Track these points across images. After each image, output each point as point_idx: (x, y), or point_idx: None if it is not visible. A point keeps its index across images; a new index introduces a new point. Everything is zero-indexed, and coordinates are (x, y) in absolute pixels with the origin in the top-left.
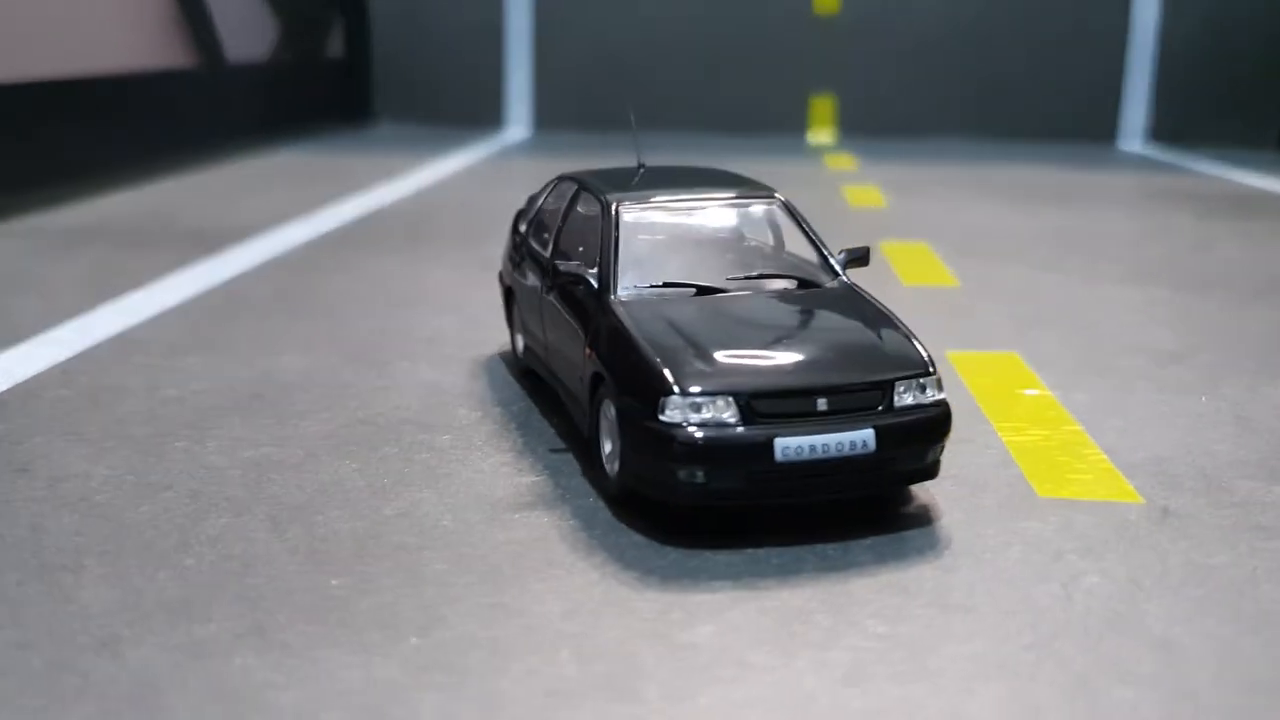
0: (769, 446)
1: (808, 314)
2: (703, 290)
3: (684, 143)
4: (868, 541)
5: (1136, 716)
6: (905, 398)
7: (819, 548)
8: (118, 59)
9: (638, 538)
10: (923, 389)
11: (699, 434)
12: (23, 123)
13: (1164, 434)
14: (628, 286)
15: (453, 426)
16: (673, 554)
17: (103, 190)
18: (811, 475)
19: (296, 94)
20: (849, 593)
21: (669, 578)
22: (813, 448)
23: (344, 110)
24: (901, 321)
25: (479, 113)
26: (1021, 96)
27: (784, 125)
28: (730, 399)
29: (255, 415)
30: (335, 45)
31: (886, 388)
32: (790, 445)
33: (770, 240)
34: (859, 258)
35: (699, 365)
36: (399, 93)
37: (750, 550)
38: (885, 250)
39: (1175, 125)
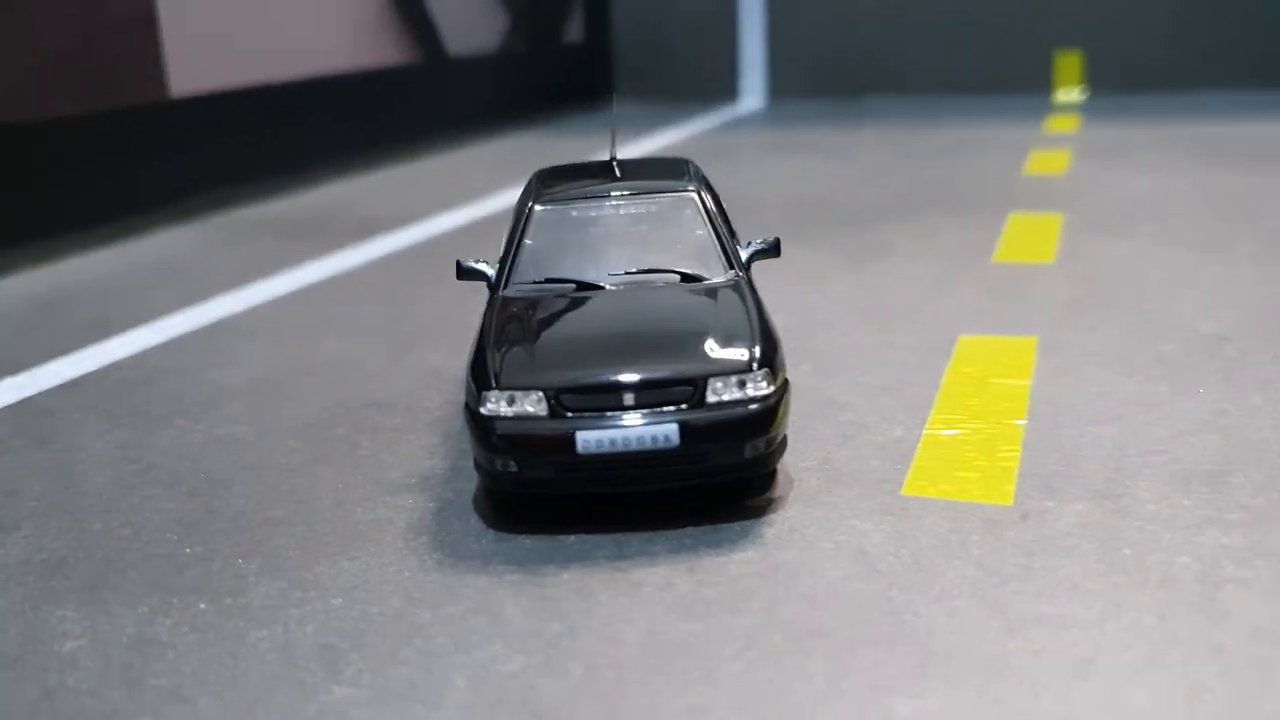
0: (570, 439)
1: (661, 310)
2: (583, 286)
3: (921, 109)
4: (679, 531)
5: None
6: (722, 394)
7: (624, 536)
8: (334, 61)
9: (476, 524)
10: (743, 385)
11: (506, 426)
12: (247, 125)
13: (1119, 433)
14: (519, 282)
15: (416, 410)
16: (490, 539)
17: (311, 184)
18: (617, 468)
19: (531, 81)
20: (610, 583)
21: (463, 559)
22: (613, 441)
23: (585, 93)
24: (762, 319)
25: (714, 87)
26: None
27: (1028, 85)
28: (540, 393)
29: (258, 397)
30: (574, 31)
31: (699, 384)
32: (590, 439)
33: (689, 235)
34: (767, 249)
35: (522, 360)
36: (638, 73)
37: (564, 537)
38: (1011, 223)
39: None
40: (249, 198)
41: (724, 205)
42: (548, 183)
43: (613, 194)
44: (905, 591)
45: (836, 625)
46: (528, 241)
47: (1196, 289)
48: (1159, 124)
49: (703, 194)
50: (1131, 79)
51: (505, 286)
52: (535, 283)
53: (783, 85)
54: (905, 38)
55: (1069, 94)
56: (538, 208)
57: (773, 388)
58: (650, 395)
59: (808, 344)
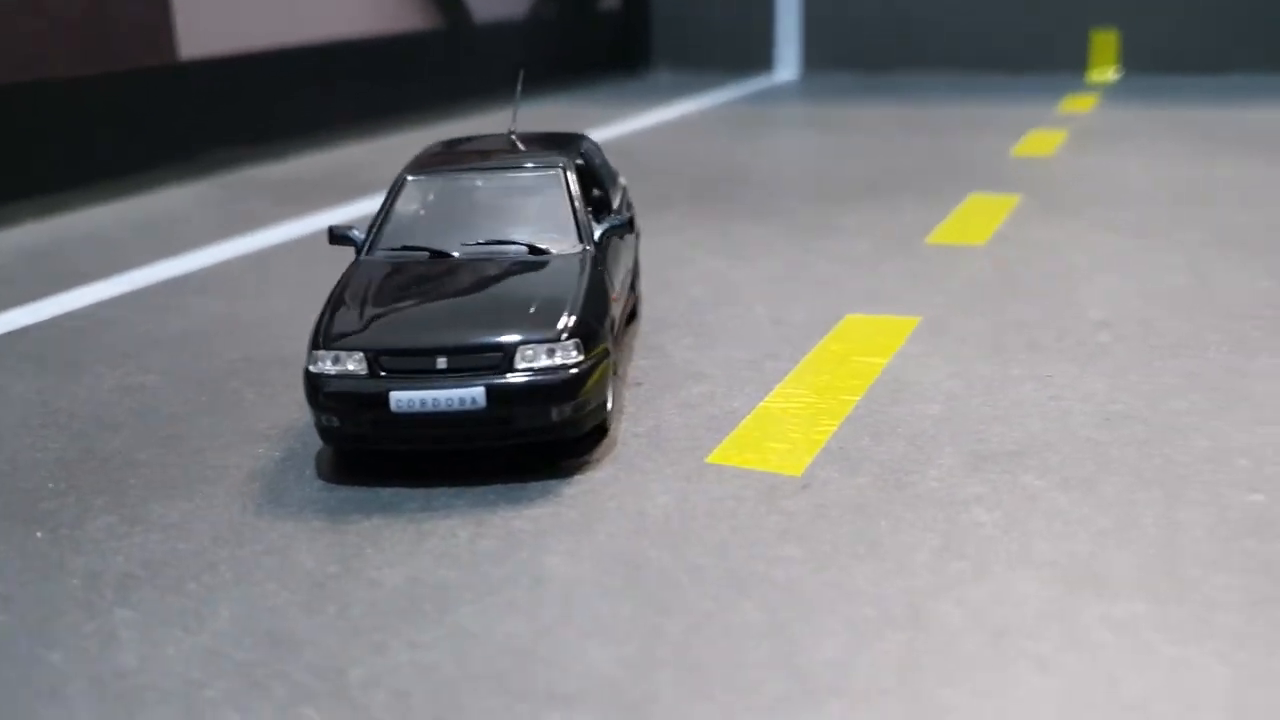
0: (385, 398)
1: (495, 280)
2: (436, 255)
3: (949, 84)
4: (487, 487)
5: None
6: (532, 361)
7: (437, 490)
8: (352, 26)
9: (309, 474)
10: (552, 354)
11: (329, 384)
12: (260, 88)
13: (942, 413)
14: (380, 249)
15: None
16: (316, 488)
17: (325, 148)
18: (429, 426)
19: (563, 48)
20: (401, 532)
21: (282, 505)
22: (424, 401)
23: (622, 61)
24: (590, 292)
25: (750, 57)
26: None
27: (1064, 63)
28: (361, 354)
29: (180, 350)
30: None
31: (508, 350)
32: (404, 398)
33: (549, 209)
34: (619, 226)
35: (350, 323)
36: (676, 41)
37: (381, 489)
38: (966, 204)
39: None
40: (260, 159)
41: (615, 180)
42: (432, 154)
43: (482, 168)
44: (659, 550)
45: (580, 576)
46: (396, 210)
47: (1113, 275)
48: (1179, 107)
49: (569, 172)
50: (1168, 60)
51: (368, 252)
52: (394, 250)
53: (818, 57)
54: (942, 13)
55: (1104, 73)
56: (409, 178)
57: (582, 357)
58: (462, 360)
59: (703, 318)
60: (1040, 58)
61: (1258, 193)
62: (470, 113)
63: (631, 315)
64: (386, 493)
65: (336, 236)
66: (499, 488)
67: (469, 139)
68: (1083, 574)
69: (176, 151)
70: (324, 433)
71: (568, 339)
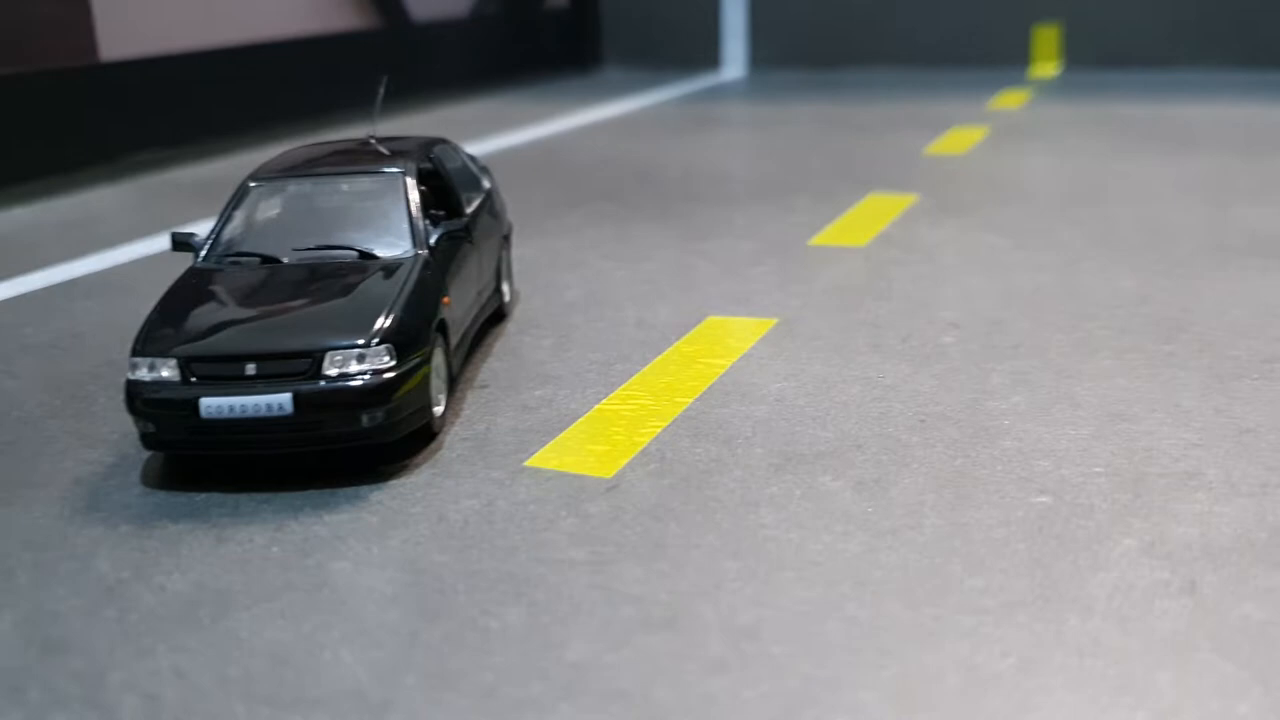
0: (195, 405)
1: (317, 286)
2: (266, 260)
3: (890, 81)
4: (297, 493)
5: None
6: (342, 367)
7: (248, 495)
8: (281, 27)
9: (134, 479)
10: (362, 359)
11: (144, 390)
12: (186, 89)
13: (768, 415)
14: (215, 255)
15: None
16: (137, 494)
17: (257, 149)
18: (238, 433)
19: (508, 46)
20: (201, 537)
21: (98, 511)
22: (232, 408)
23: (571, 59)
24: (410, 297)
25: (698, 55)
26: (1274, 21)
27: (1007, 58)
28: (174, 361)
29: (48, 353)
30: None
31: (316, 356)
32: (213, 405)
33: (386, 214)
34: (455, 230)
35: (167, 330)
36: (626, 39)
37: (197, 494)
38: (861, 204)
39: None
40: (185, 160)
41: (477, 184)
42: (279, 160)
43: (321, 174)
44: (446, 555)
45: (360, 582)
46: (235, 216)
47: (979, 277)
48: (1111, 103)
49: (408, 178)
50: (1110, 55)
51: (203, 259)
52: (227, 256)
53: (765, 54)
54: (888, 9)
55: (1046, 69)
56: (251, 184)
57: (394, 362)
58: (271, 366)
59: (571, 319)
60: (984, 53)
61: (1150, 191)
62: (410, 112)
63: (498, 316)
64: (201, 498)
65: (178, 243)
66: (310, 493)
67: (324, 144)
68: (845, 576)
69: (98, 153)
70: (143, 439)
71: (379, 344)
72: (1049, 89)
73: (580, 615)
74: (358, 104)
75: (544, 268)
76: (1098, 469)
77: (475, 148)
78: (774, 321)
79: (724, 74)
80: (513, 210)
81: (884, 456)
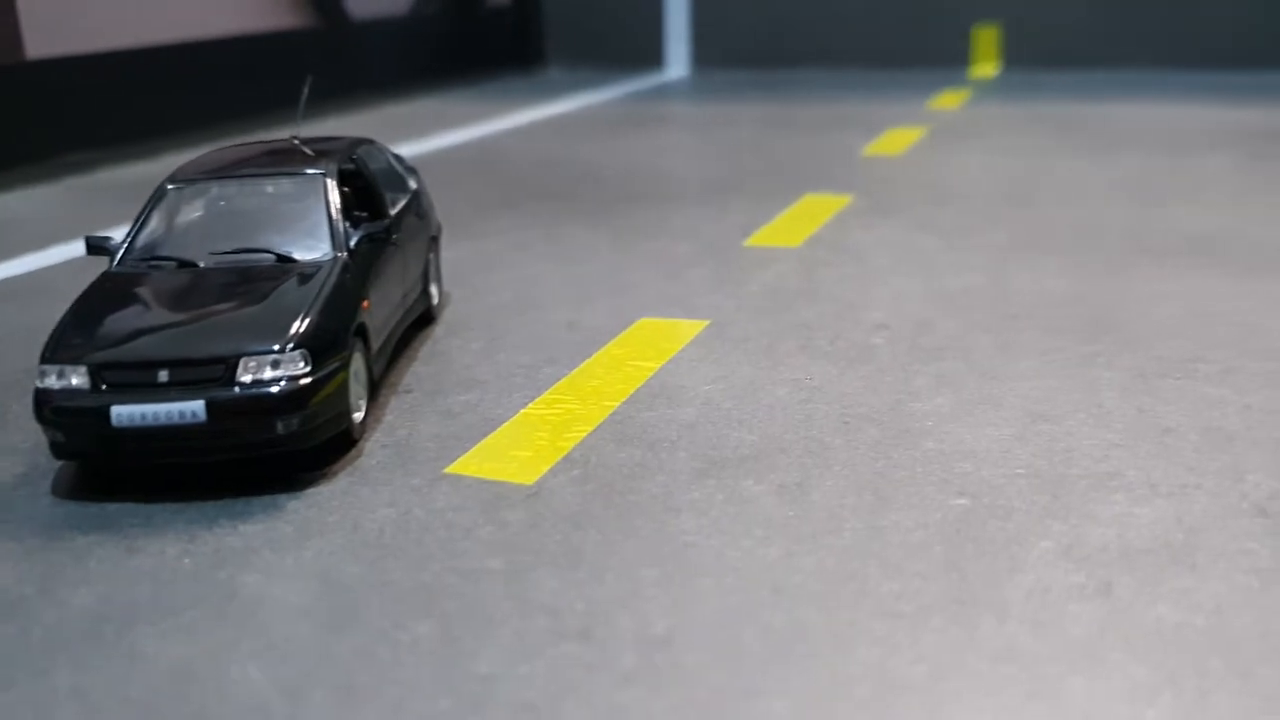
0: (106, 413)
1: (233, 290)
2: (183, 264)
3: (831, 82)
4: (212, 502)
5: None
6: (256, 373)
7: (164, 505)
8: (214, 26)
9: (45, 489)
10: (277, 365)
11: (52, 398)
12: (115, 88)
13: (694, 418)
14: (130, 259)
15: None
16: (48, 504)
17: (190, 147)
18: (150, 441)
19: (449, 46)
20: (111, 549)
21: (4, 523)
22: (144, 415)
23: (514, 58)
24: (328, 302)
25: (642, 54)
26: (1208, 22)
27: (947, 59)
28: (84, 369)
29: None
30: None
31: (230, 363)
32: (124, 413)
33: (306, 216)
34: (377, 232)
35: (77, 336)
36: (570, 39)
37: (109, 504)
38: (797, 205)
39: None
40: (116, 161)
41: (404, 185)
42: (198, 161)
43: (240, 176)
44: (360, 566)
45: (271, 595)
46: (152, 218)
47: (908, 278)
48: (1048, 103)
49: (329, 179)
50: (1049, 56)
51: (118, 263)
52: (143, 260)
53: (708, 54)
54: (831, 9)
55: (986, 69)
56: (169, 186)
57: (309, 368)
58: (184, 373)
59: (502, 322)
60: (924, 54)
61: (1083, 190)
62: (348, 112)
63: (425, 319)
64: (113, 509)
65: (94, 247)
66: (226, 502)
67: (247, 145)
68: (763, 582)
69: (23, 154)
70: (53, 449)
71: (294, 350)
72: (988, 89)
73: (493, 627)
74: (295, 105)
75: (476, 269)
76: (1018, 470)
77: (412, 147)
78: (706, 323)
79: (667, 74)
80: (446, 211)
81: (807, 460)
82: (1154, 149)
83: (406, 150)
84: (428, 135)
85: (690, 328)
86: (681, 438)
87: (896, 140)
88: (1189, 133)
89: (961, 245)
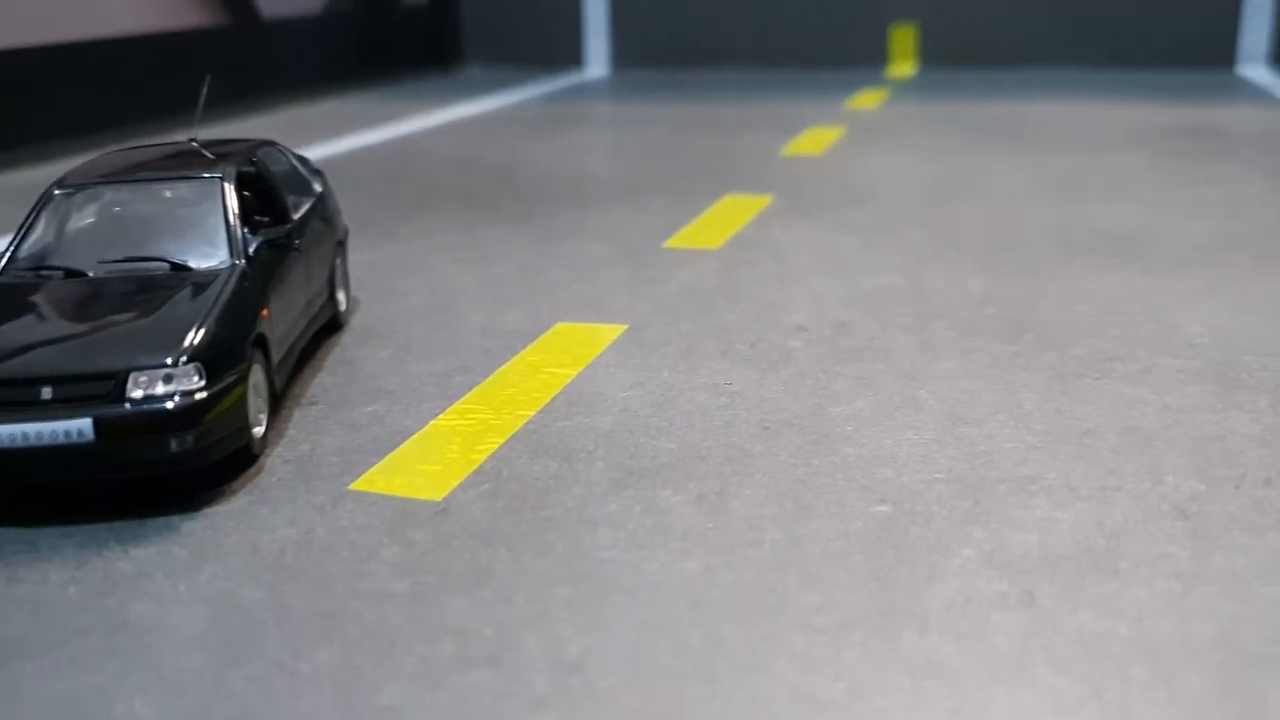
0: None
1: (124, 301)
2: (71, 274)
3: (753, 81)
4: (103, 525)
5: None
6: (147, 389)
7: (48, 530)
8: (113, 26)
9: None
10: (169, 380)
11: None
12: (31, 86)
13: (611, 426)
14: (14, 269)
15: None
16: None
17: (98, 149)
18: (36, 462)
19: (365, 44)
20: None
21: None
22: (26, 435)
23: (432, 56)
24: (223, 313)
25: (561, 53)
26: (1125, 20)
27: (863, 58)
28: None
29: None
30: None
31: (119, 378)
32: (5, 432)
33: (202, 222)
34: (276, 239)
35: None
36: (489, 38)
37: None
38: (717, 206)
39: None
40: (23, 163)
41: (308, 188)
42: (89, 164)
43: (132, 180)
44: (258, 590)
45: (163, 623)
46: (37, 225)
47: (828, 278)
48: (964, 102)
49: (226, 183)
50: (966, 54)
51: (1, 273)
52: (27, 270)
53: (628, 53)
54: (748, 10)
55: (903, 68)
56: (56, 191)
57: (204, 382)
58: (69, 389)
59: (413, 328)
60: (844, 53)
61: (1000, 189)
62: (262, 111)
63: (332, 327)
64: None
65: None
66: (118, 525)
67: (142, 147)
68: (680, 597)
69: None
70: None
71: (187, 363)
72: (905, 88)
73: (397, 653)
74: (210, 103)
75: (388, 273)
76: (938, 475)
77: (326, 148)
78: (624, 327)
79: (587, 73)
80: (359, 213)
81: (726, 468)
82: (1070, 147)
83: (320, 151)
84: (342, 136)
85: (608, 332)
86: (598, 447)
87: (816, 140)
88: (1104, 131)
89: (880, 245)
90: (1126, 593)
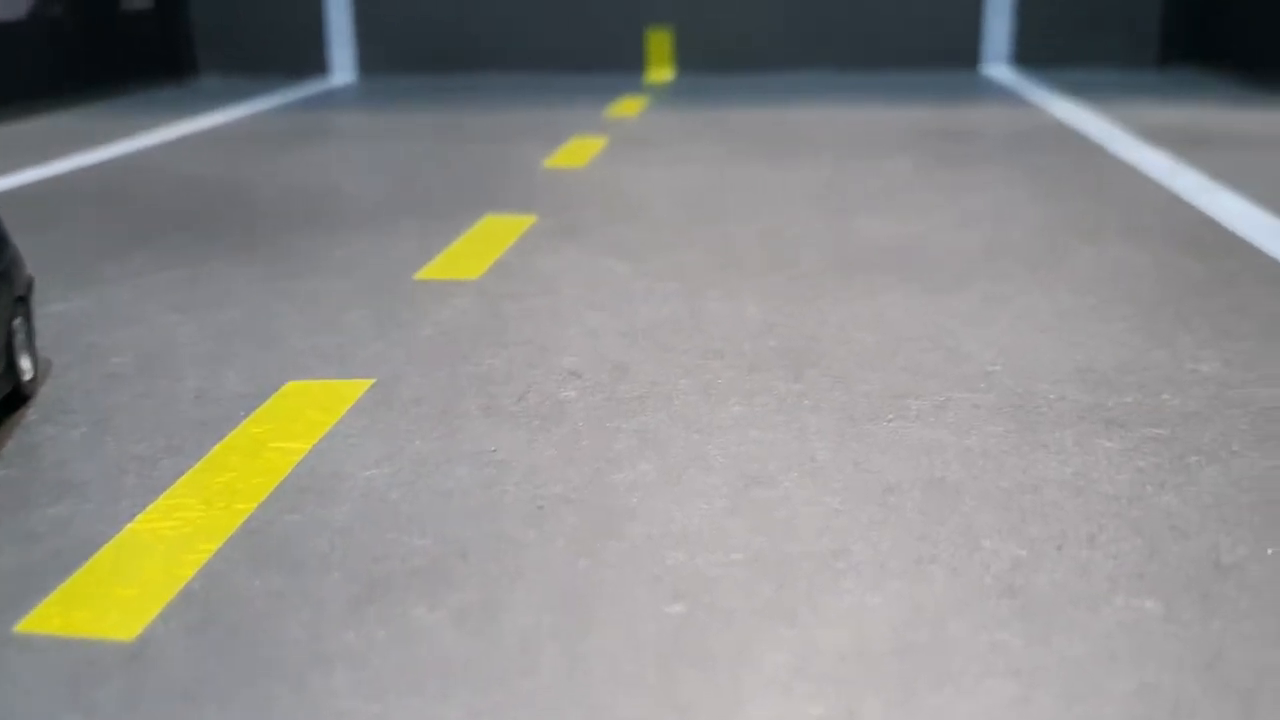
0: None
1: None
2: None
3: (510, 87)
4: None
5: None
6: None
7: None
8: None
9: None
10: None
11: None
12: None
13: (354, 517)
14: None
15: None
16: None
17: None
18: None
19: (80, 53)
20: None
21: None
22: None
23: (160, 65)
24: None
25: (303, 60)
26: (875, 22)
27: (620, 62)
28: None
29: None
30: None
31: None
32: None
33: None
34: None
35: None
36: (225, 45)
37: None
38: (476, 228)
39: (1044, 47)
40: None
41: None
42: None
43: None
44: None
45: None
46: None
47: (601, 311)
48: (723, 108)
49: None
50: (721, 59)
51: None
52: None
53: (377, 58)
54: (506, 11)
55: (661, 73)
56: None
57: None
58: None
59: (114, 397)
60: (601, 56)
61: (769, 202)
62: None
63: (14, 401)
64: None
65: None
66: None
67: None
68: None
69: None
70: None
71: None
72: (664, 94)
73: None
74: None
75: (90, 327)
76: (735, 555)
77: (26, 174)
78: (370, 383)
79: (332, 80)
80: (59, 253)
81: (493, 566)
82: (834, 153)
83: (22, 177)
84: (50, 159)
85: (350, 390)
86: (334, 550)
87: (578, 151)
88: (868, 135)
89: (653, 269)
90: (960, 704)
